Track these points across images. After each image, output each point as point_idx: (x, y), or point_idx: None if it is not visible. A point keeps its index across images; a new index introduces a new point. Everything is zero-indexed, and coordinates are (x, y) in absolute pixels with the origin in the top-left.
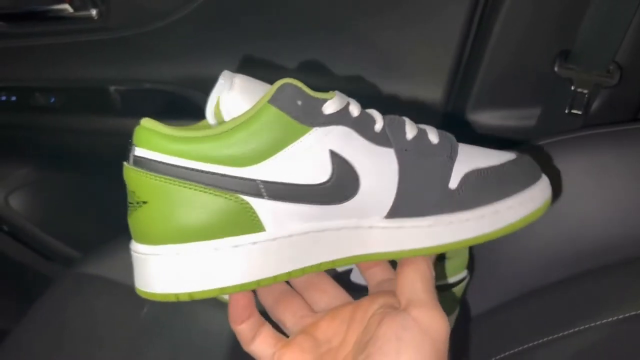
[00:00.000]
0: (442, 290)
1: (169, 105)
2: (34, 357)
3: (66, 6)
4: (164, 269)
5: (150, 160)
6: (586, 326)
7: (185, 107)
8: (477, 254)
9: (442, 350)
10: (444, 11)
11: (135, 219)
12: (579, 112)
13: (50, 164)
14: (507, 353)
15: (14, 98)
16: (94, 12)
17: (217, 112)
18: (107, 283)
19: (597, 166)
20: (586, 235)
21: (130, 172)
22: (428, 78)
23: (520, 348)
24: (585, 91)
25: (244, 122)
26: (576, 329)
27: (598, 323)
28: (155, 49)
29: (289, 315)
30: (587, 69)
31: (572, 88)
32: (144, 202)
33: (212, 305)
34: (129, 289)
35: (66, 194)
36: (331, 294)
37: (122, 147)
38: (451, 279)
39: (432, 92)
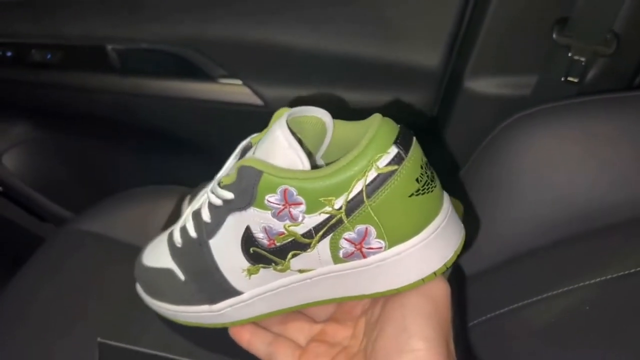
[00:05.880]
0: None
1: (167, 65)
2: (28, 313)
3: None
4: None
5: None
6: (575, 286)
7: (183, 67)
8: (468, 216)
9: (444, 310)
10: None
11: None
12: (575, 80)
13: (45, 122)
14: (498, 312)
15: (9, 53)
16: None
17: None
18: (101, 239)
19: (589, 133)
20: (577, 200)
21: None
22: (426, 43)
23: (512, 307)
24: (583, 59)
25: None
26: (565, 289)
27: (586, 283)
28: (154, 7)
29: (297, 331)
30: (584, 37)
31: (569, 55)
32: None
33: None
34: (123, 245)
35: (61, 153)
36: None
37: (118, 105)
38: None
39: (430, 57)
